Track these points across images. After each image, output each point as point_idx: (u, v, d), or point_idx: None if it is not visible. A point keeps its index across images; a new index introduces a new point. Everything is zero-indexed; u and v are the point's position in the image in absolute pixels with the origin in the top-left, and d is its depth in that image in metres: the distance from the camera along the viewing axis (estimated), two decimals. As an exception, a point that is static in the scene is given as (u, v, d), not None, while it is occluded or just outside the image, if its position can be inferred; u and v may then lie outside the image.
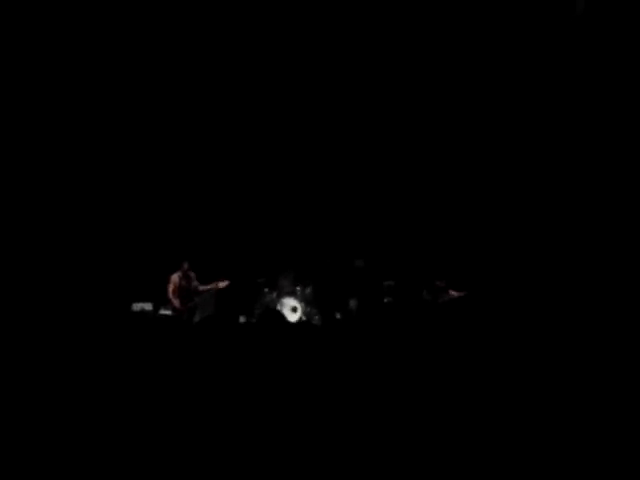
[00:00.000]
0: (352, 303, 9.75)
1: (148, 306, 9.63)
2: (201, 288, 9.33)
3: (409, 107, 10.67)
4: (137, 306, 9.58)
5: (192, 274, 9.27)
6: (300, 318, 10.31)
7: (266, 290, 10.75)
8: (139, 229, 10.37)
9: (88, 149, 9.88)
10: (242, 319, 10.11)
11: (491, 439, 2.95)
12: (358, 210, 10.96)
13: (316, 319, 10.37)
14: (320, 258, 10.94)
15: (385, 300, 9.48)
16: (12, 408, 3.08)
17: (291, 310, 10.39)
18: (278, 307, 10.41)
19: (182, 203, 10.75)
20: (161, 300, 9.70)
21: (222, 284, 9.39)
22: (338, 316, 9.90)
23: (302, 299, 10.66)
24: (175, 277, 9.14)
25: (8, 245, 8.83)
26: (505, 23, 9.78)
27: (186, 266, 9.18)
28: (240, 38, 9.91)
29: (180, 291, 9.12)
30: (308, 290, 10.87)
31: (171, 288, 9.11)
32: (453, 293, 9.91)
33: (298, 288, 10.79)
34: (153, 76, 9.95)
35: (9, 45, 8.65)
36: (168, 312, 9.59)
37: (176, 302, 9.04)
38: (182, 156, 10.71)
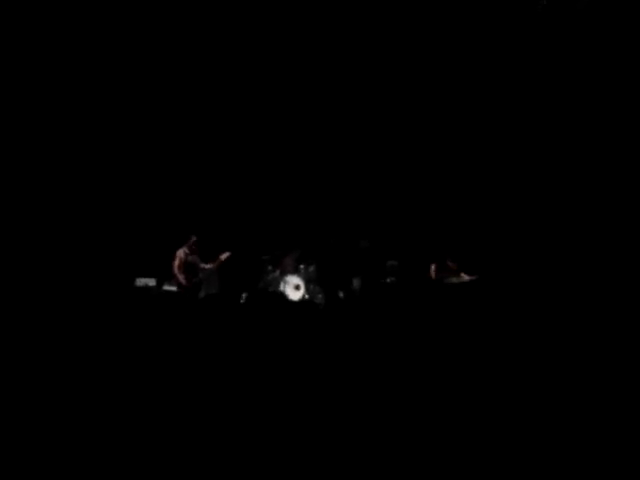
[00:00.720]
0: (355, 282, 9.75)
1: (152, 282, 9.63)
2: (201, 266, 9.35)
3: (415, 89, 10.61)
4: (141, 281, 9.58)
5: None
6: (303, 296, 10.33)
7: (269, 268, 10.75)
8: (143, 204, 10.36)
9: (91, 127, 9.86)
10: (245, 297, 10.13)
11: (490, 427, 2.95)
12: (364, 189, 10.92)
13: (319, 298, 10.37)
14: (324, 237, 10.92)
15: (388, 280, 9.47)
16: (16, 382, 3.10)
17: (294, 288, 10.40)
18: (281, 285, 10.42)
19: (187, 179, 10.73)
20: (165, 275, 9.72)
21: (223, 256, 9.40)
22: (341, 295, 9.91)
23: (305, 277, 10.67)
24: (181, 252, 9.14)
25: (10, 219, 8.86)
26: (503, 16, 9.72)
27: (193, 240, 9.19)
28: (239, 34, 9.87)
29: (186, 266, 9.13)
30: (311, 268, 10.87)
31: (176, 263, 9.12)
32: (464, 276, 9.89)
33: (302, 266, 10.78)
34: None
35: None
36: (172, 288, 9.61)
37: (181, 277, 9.06)
38: (187, 133, 10.67)
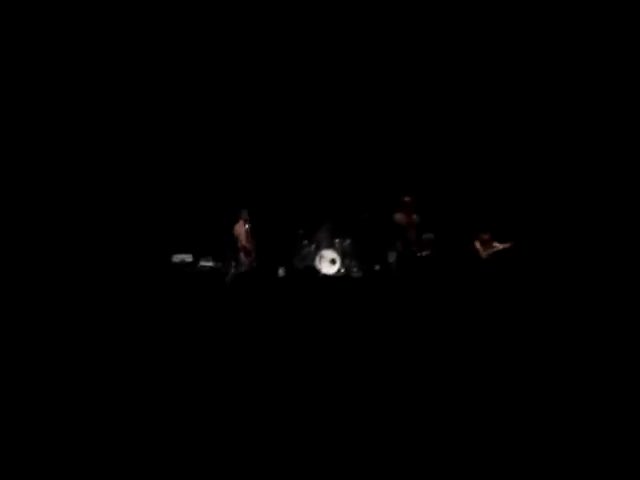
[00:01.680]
0: (391, 256, 9.66)
1: (188, 257, 9.73)
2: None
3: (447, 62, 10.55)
4: (177, 257, 9.69)
5: None
6: (339, 270, 10.30)
7: (305, 242, 10.73)
8: (179, 181, 10.42)
9: (129, 113, 9.97)
10: (281, 271, 10.16)
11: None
12: (399, 163, 10.78)
13: (355, 271, 10.34)
14: (359, 211, 10.84)
15: (424, 253, 9.35)
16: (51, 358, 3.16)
17: (330, 262, 10.38)
18: (317, 259, 10.40)
19: (221, 155, 10.74)
20: (201, 251, 9.82)
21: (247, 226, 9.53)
22: (377, 268, 9.85)
23: (341, 251, 10.63)
24: (241, 227, 9.32)
25: (50, 191, 9.03)
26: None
27: (246, 215, 9.34)
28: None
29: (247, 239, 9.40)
30: (347, 242, 10.81)
31: (243, 237, 9.30)
32: (497, 245, 9.72)
33: (337, 240, 10.74)
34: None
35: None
36: (209, 264, 9.70)
37: (250, 247, 9.28)
38: (219, 112, 10.67)
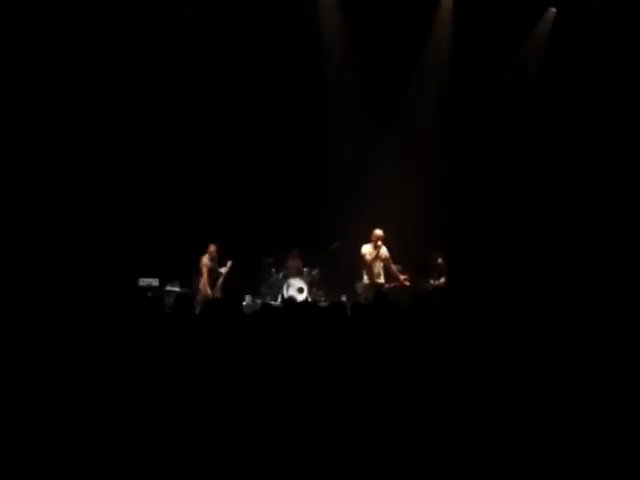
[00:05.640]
0: (358, 286, 9.72)
1: (155, 282, 9.64)
2: (220, 270, 9.43)
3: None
4: (144, 282, 9.59)
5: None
6: (306, 299, 10.31)
7: (273, 270, 10.74)
8: (147, 205, 10.33)
9: (96, 128, 9.90)
10: (248, 299, 10.12)
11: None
12: (368, 195, 10.87)
13: (322, 301, 10.35)
14: (328, 240, 10.88)
15: (392, 284, 9.40)
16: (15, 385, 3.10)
17: (297, 291, 10.40)
18: (284, 288, 10.41)
19: (190, 180, 10.70)
20: (168, 276, 9.74)
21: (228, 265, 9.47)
22: (344, 299, 9.89)
23: (309, 281, 10.66)
24: (206, 260, 9.26)
25: (13, 216, 8.87)
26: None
27: (213, 248, 9.28)
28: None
29: (209, 273, 9.26)
30: (315, 272, 10.86)
31: (205, 271, 9.23)
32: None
33: (305, 269, 10.77)
34: None
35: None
36: (175, 289, 9.61)
37: (208, 285, 9.19)
38: (191, 135, 10.67)
